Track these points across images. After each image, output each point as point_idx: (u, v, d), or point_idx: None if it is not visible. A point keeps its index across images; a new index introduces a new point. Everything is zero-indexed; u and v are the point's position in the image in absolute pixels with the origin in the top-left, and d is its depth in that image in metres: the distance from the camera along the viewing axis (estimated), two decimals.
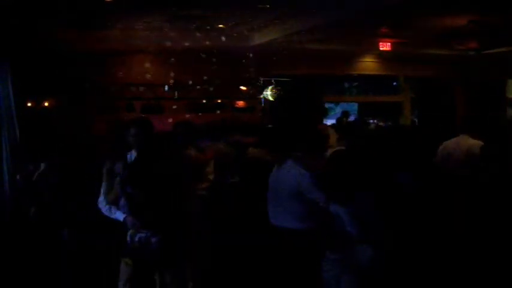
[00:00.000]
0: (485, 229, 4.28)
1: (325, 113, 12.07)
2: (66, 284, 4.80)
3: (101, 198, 4.25)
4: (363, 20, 7.70)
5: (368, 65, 11.35)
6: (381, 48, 9.90)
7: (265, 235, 4.58)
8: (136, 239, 3.92)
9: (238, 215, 5.45)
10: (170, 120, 8.64)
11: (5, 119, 4.89)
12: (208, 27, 8.08)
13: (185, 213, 4.24)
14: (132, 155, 4.38)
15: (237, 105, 10.13)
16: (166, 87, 9.51)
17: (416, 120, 12.30)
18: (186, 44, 8.58)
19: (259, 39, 9.02)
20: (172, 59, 9.07)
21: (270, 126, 9.30)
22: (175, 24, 7.82)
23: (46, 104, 8.81)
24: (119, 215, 4.11)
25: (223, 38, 8.55)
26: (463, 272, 4.20)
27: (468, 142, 6.10)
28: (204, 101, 9.81)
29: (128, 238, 3.95)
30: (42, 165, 5.26)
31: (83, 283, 4.77)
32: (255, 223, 5.13)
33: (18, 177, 5.28)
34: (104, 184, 4.21)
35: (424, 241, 4.07)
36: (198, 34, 8.26)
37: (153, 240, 3.89)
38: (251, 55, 9.73)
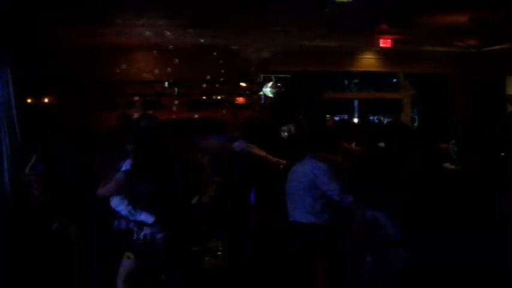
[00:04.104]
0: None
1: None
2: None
3: (118, 197, 3.89)
4: (364, 17, 7.67)
5: (368, 61, 11.35)
6: (382, 45, 9.89)
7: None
8: (141, 235, 3.78)
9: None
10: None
11: (4, 119, 4.88)
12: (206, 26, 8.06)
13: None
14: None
15: (237, 102, 10.10)
16: (166, 84, 9.50)
17: (417, 118, 12.30)
18: (186, 40, 8.57)
19: (258, 36, 9.00)
20: (172, 56, 9.08)
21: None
22: (174, 21, 7.79)
23: (46, 100, 8.81)
24: (145, 217, 3.79)
25: (223, 35, 8.54)
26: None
27: None
28: (204, 98, 9.79)
29: (134, 233, 3.83)
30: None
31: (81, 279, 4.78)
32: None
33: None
34: (114, 181, 3.90)
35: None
36: (197, 31, 8.24)
37: (159, 237, 3.75)
38: (251, 52, 9.72)
